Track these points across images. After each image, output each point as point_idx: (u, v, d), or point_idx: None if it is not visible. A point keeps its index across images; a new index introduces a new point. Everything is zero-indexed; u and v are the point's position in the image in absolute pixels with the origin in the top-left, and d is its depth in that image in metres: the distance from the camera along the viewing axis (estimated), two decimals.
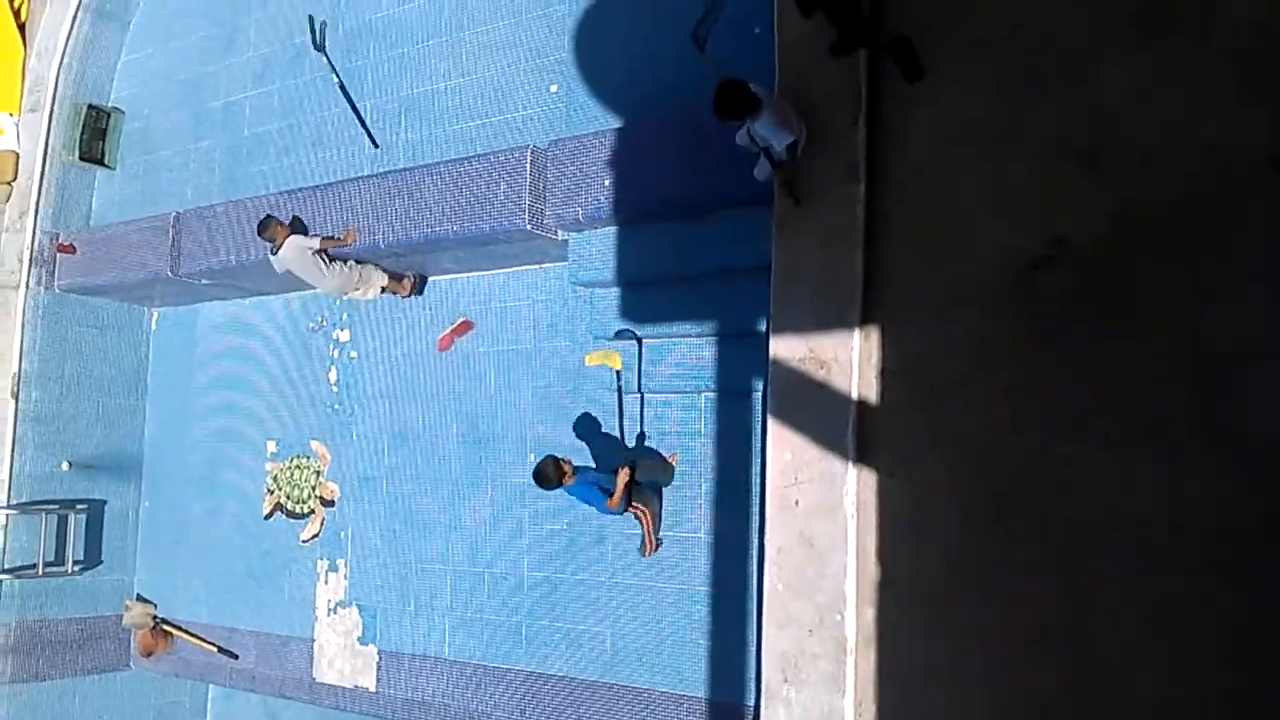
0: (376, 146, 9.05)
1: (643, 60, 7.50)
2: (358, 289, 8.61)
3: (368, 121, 9.11)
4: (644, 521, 7.04)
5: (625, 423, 7.51)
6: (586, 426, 7.77)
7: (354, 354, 9.26)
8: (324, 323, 9.51)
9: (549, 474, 6.55)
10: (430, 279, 8.92)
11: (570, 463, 6.64)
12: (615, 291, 7.58)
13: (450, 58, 8.75)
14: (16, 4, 11.00)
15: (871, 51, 5.85)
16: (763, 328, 6.31)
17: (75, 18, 10.91)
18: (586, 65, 7.87)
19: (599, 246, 7.51)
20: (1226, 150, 4.94)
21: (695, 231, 7.03)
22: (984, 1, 5.61)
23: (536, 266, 8.31)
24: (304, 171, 9.46)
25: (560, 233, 7.68)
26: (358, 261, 8.54)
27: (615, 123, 7.54)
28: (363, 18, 9.32)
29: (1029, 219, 5.32)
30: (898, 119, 5.78)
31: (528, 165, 7.60)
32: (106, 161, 10.88)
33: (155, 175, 10.72)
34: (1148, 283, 5.03)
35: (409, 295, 8.85)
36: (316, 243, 8.23)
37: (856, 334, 5.68)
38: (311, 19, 8.95)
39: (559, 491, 6.69)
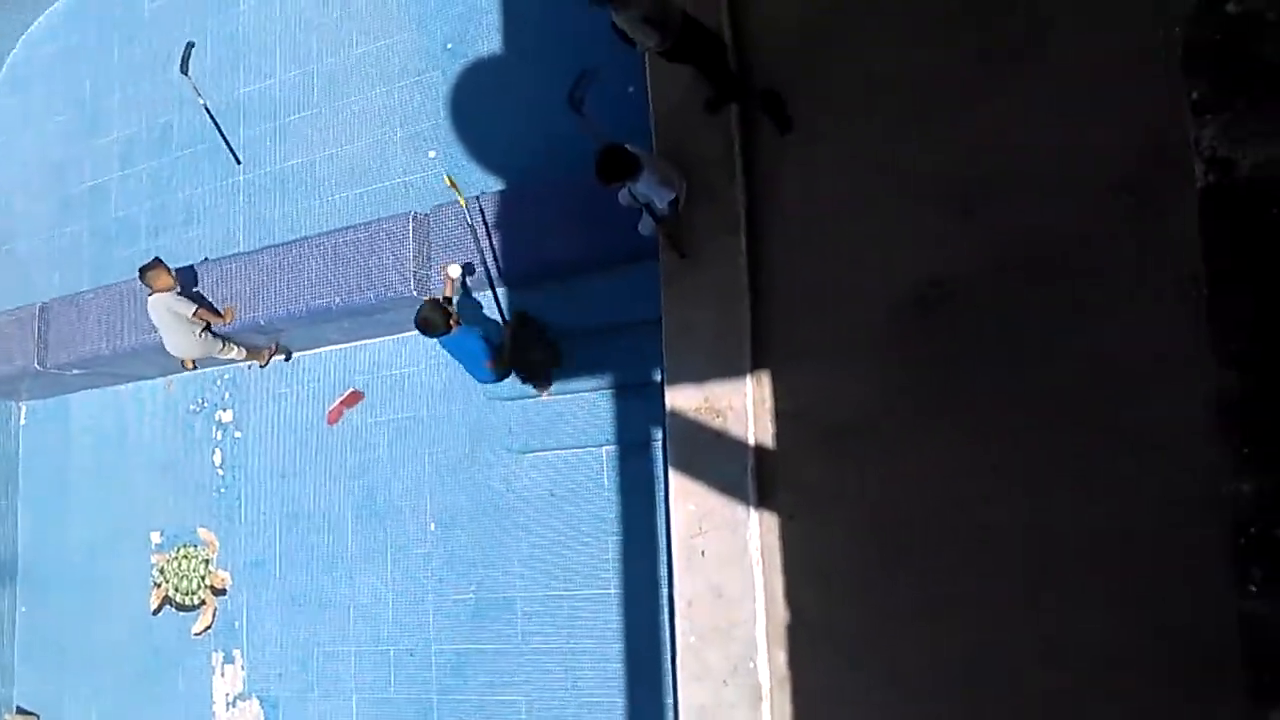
0: (240, 163, 9.01)
1: (519, 122, 7.56)
2: (219, 354, 8.38)
3: (242, 196, 8.98)
4: None
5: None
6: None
7: (238, 434, 8.96)
8: (205, 404, 9.19)
9: (433, 319, 6.47)
10: (315, 351, 8.72)
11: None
12: None
13: (325, 129, 8.66)
14: None
15: (743, 106, 6.03)
16: (659, 378, 6.37)
17: None
18: (463, 130, 7.89)
19: (489, 309, 7.48)
20: (1083, 172, 5.18)
21: (584, 288, 7.08)
22: (841, 52, 5.85)
23: None
24: (177, 251, 9.14)
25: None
26: (224, 339, 8.34)
27: (497, 185, 7.56)
28: (231, 94, 9.17)
29: (907, 258, 5.51)
30: (773, 171, 5.96)
31: (410, 232, 7.55)
32: None
33: (20, 266, 10.26)
34: (1028, 311, 5.22)
35: (267, 363, 8.75)
36: (190, 310, 7.96)
37: (749, 380, 5.78)
38: (189, 45, 8.74)
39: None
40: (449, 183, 6.87)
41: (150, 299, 7.99)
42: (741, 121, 6.04)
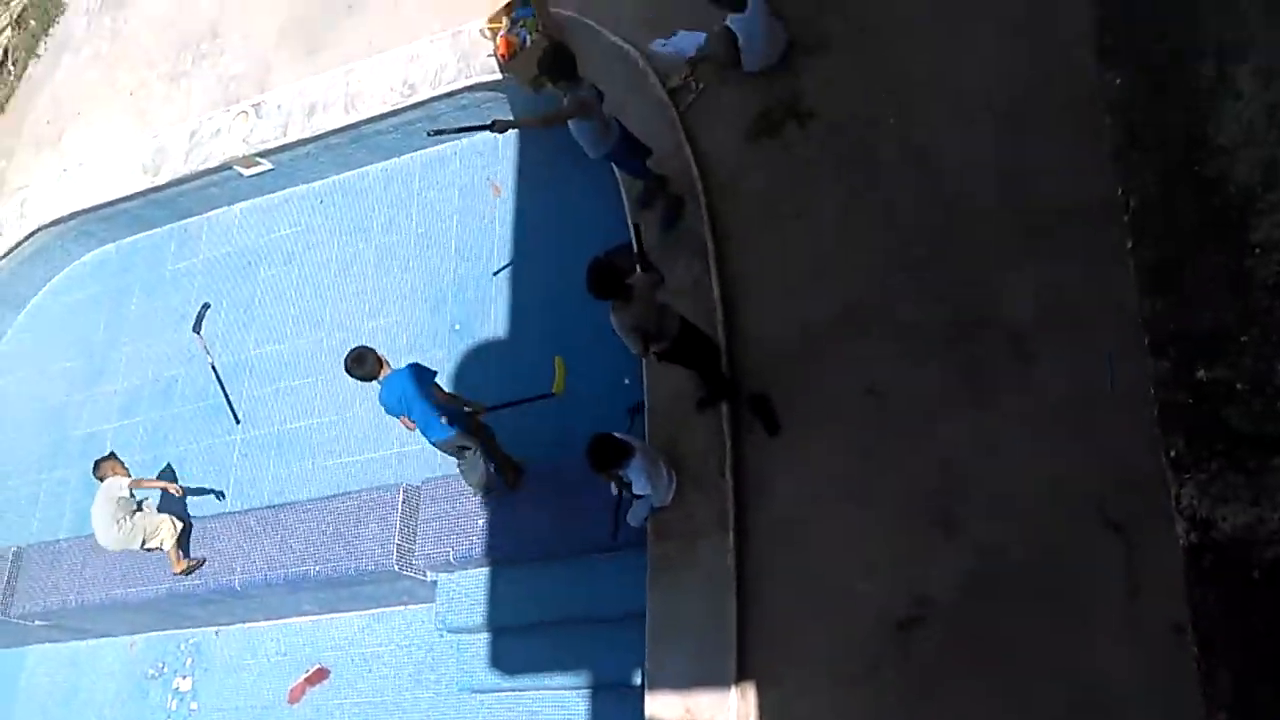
0: (239, 423, 9.06)
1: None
2: (147, 544, 8.18)
3: (236, 453, 9.01)
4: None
5: None
6: None
7: (194, 705, 8.48)
8: (165, 669, 8.78)
9: (366, 356, 6.29)
10: (286, 621, 8.42)
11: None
12: (484, 638, 7.28)
13: (328, 395, 8.77)
14: None
15: (733, 407, 6.15)
16: (639, 680, 6.11)
17: None
18: None
19: (469, 588, 7.31)
20: (1066, 499, 5.19)
21: (569, 575, 6.93)
22: (831, 361, 6.04)
23: (401, 608, 7.96)
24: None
25: (429, 574, 7.47)
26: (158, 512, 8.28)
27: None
28: (241, 354, 9.38)
29: (892, 574, 5.44)
30: (761, 472, 6.01)
31: (399, 503, 7.51)
32: None
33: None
34: (1017, 636, 5.09)
35: (183, 572, 8.17)
36: (126, 485, 8.13)
37: (733, 693, 5.54)
38: (205, 305, 9.34)
39: None
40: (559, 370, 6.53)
41: (100, 488, 8.15)
42: (732, 421, 6.15)
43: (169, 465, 9.22)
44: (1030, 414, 5.41)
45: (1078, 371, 5.37)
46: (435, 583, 7.44)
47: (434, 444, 6.77)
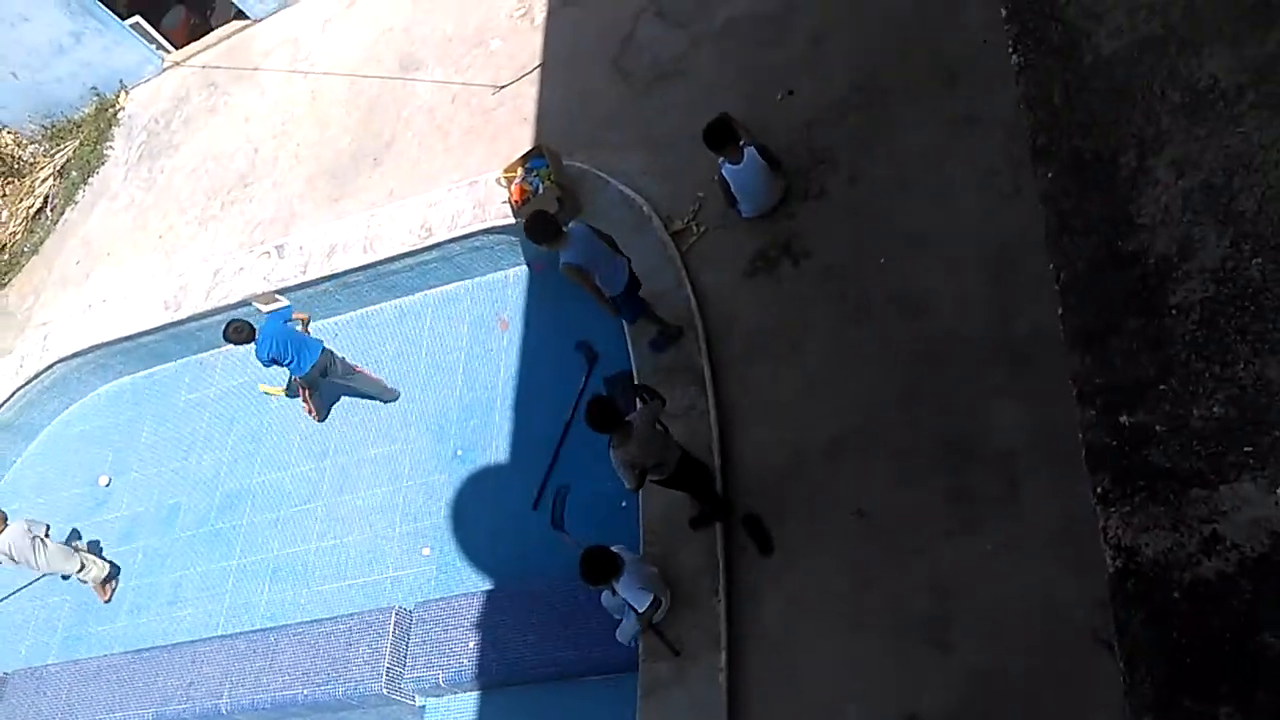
0: None
1: (513, 528, 7.78)
2: (79, 572, 9.29)
3: (231, 580, 9.02)
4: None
5: None
6: None
7: None
8: None
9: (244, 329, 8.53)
10: None
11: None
12: None
13: (326, 520, 8.88)
14: None
15: (726, 527, 6.28)
16: None
17: None
18: (460, 531, 8.10)
19: (457, 715, 7.23)
20: (1057, 620, 5.26)
21: (560, 698, 6.90)
22: (823, 483, 6.20)
23: None
24: (155, 630, 9.04)
25: (418, 698, 7.42)
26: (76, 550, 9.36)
27: (484, 585, 7.63)
28: (243, 481, 9.53)
29: (888, 691, 5.47)
30: (754, 591, 6.09)
31: (391, 626, 7.52)
32: None
33: None
34: None
35: (108, 599, 9.44)
36: (43, 529, 9.17)
37: None
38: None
39: None
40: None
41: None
42: (725, 541, 6.26)
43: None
44: (1019, 537, 5.55)
45: (1064, 495, 5.53)
46: (423, 708, 7.36)
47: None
